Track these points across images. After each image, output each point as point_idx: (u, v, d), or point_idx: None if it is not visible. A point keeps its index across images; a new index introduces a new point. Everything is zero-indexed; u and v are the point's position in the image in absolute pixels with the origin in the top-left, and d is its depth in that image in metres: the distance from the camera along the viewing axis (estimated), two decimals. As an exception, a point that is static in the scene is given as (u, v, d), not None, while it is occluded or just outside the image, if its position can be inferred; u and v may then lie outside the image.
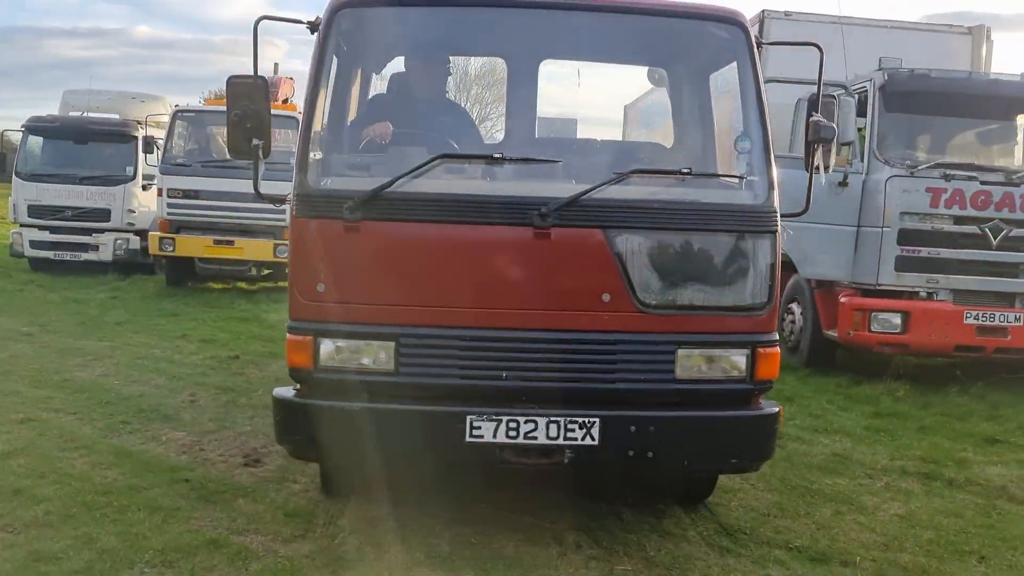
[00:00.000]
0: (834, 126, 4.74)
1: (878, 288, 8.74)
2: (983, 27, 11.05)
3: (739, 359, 4.11)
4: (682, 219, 4.09)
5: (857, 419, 7.50)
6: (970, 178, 8.60)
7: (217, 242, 13.49)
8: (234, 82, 4.10)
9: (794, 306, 9.84)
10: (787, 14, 10.65)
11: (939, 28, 11.34)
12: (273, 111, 14.49)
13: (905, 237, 8.64)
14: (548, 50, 5.19)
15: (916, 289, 8.72)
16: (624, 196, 4.06)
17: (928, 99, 8.80)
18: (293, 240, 4.08)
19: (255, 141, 4.05)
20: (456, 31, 4.83)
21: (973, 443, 6.87)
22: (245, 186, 13.59)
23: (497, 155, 4.19)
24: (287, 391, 4.13)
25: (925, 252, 8.65)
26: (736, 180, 4.41)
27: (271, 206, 13.23)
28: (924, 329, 8.59)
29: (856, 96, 8.80)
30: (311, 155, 4.07)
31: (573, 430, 3.92)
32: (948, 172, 8.59)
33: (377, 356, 3.95)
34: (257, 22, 4.10)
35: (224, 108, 4.17)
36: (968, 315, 8.61)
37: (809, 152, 4.47)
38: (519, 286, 4.00)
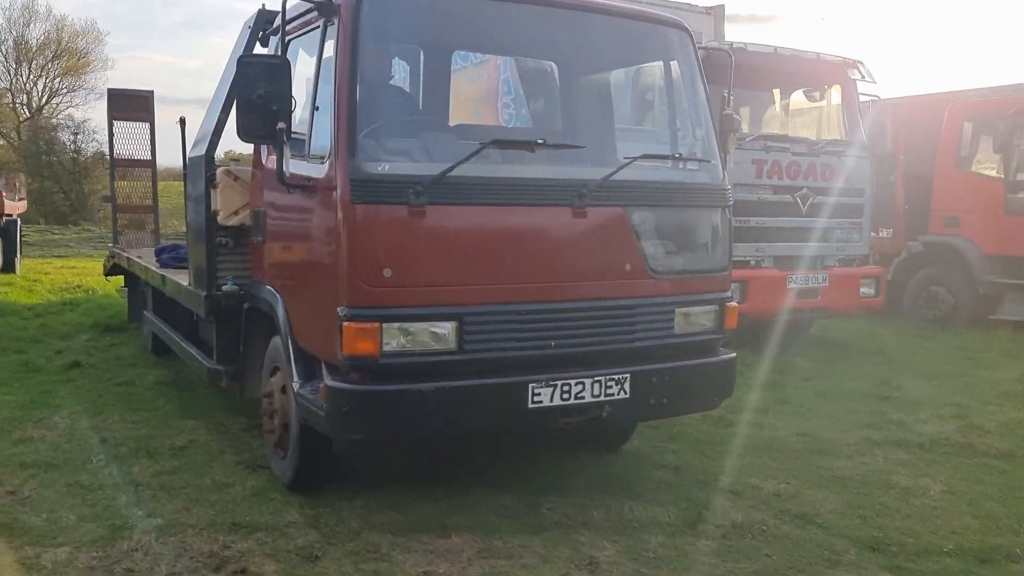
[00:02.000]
0: (739, 118, 5.73)
1: (716, 260, 8.83)
2: (722, 7, 11.74)
3: (713, 314, 4.82)
4: (675, 197, 4.76)
5: (754, 394, 7.48)
6: (783, 149, 9.03)
7: None
8: (247, 62, 4.08)
9: None
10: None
11: (683, 6, 11.81)
12: None
13: (737, 208, 8.82)
14: (551, 49, 5.39)
15: (747, 259, 8.99)
16: (635, 178, 4.53)
17: (744, 72, 9.02)
18: (350, 227, 3.95)
19: (280, 125, 4.04)
20: (475, 24, 4.81)
21: (877, 403, 7.20)
22: None
23: (540, 141, 4.38)
24: (338, 382, 4.03)
25: (754, 221, 8.94)
26: (703, 163, 4.98)
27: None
28: (759, 296, 8.87)
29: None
30: (360, 141, 3.99)
31: (611, 387, 4.33)
32: (768, 144, 8.94)
33: (442, 336, 4.03)
34: (283, 4, 4.22)
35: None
36: (790, 279, 9.08)
37: (723, 140, 5.23)
38: (563, 261, 4.33)
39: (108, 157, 11.51)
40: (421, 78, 5.65)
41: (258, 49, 5.42)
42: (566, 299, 4.31)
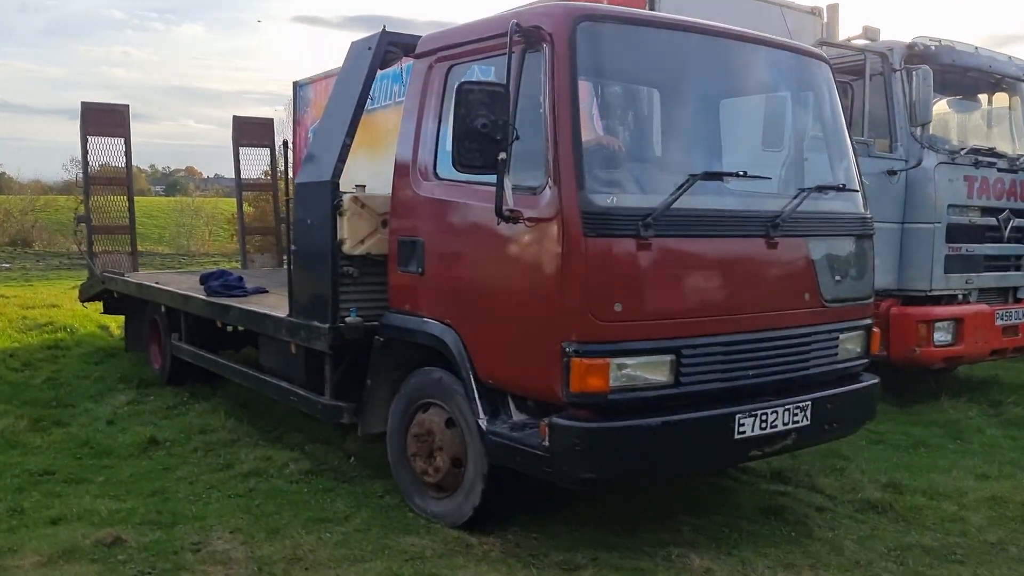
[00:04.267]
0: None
1: (928, 295, 7.49)
2: (836, 6, 10.50)
3: (862, 339, 4.90)
4: (838, 226, 4.84)
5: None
6: (990, 164, 7.78)
7: None
8: (468, 88, 3.92)
9: None
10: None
11: (792, 5, 10.53)
12: None
13: (951, 233, 7.53)
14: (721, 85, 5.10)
15: (955, 292, 7.68)
16: (808, 208, 4.54)
17: (950, 75, 7.75)
18: (581, 260, 3.86)
19: (502, 155, 3.89)
20: (673, 57, 4.71)
21: None
22: None
23: (741, 173, 4.39)
24: (569, 420, 3.87)
25: (965, 249, 7.64)
26: (852, 192, 4.97)
27: None
28: (973, 336, 7.58)
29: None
30: (587, 173, 3.92)
31: (797, 414, 4.36)
32: (978, 158, 7.67)
33: (662, 370, 4.01)
34: (511, 27, 3.94)
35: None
36: (998, 316, 7.82)
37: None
38: (759, 291, 4.39)
39: (81, 175, 10.25)
40: (617, 107, 5.39)
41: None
42: (762, 328, 4.36)
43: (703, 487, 5.33)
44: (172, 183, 64.36)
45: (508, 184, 3.93)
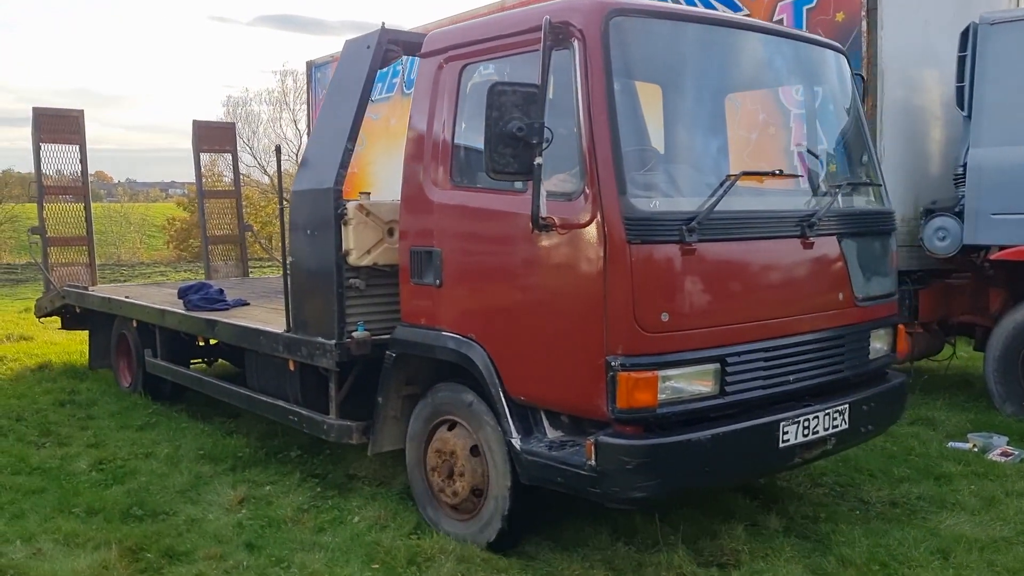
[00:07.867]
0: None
1: None
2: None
3: (890, 338, 4.88)
4: (866, 223, 4.75)
5: None
6: None
7: None
8: (501, 89, 3.80)
9: None
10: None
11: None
12: None
13: None
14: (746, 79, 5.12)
15: None
16: (840, 206, 4.54)
17: None
18: (626, 269, 3.73)
19: (538, 160, 3.78)
20: (706, 53, 4.56)
21: None
22: None
23: (777, 171, 4.49)
24: (616, 438, 3.75)
25: None
26: (876, 187, 4.95)
27: None
28: None
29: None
30: (629, 177, 3.80)
31: (836, 418, 4.30)
32: None
33: (707, 380, 3.93)
34: (546, 23, 3.78)
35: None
36: None
37: None
38: (798, 293, 4.36)
39: (35, 184, 10.06)
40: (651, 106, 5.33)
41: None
42: (802, 332, 4.29)
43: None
44: (82, 190, 60.63)
45: (543, 191, 3.79)
